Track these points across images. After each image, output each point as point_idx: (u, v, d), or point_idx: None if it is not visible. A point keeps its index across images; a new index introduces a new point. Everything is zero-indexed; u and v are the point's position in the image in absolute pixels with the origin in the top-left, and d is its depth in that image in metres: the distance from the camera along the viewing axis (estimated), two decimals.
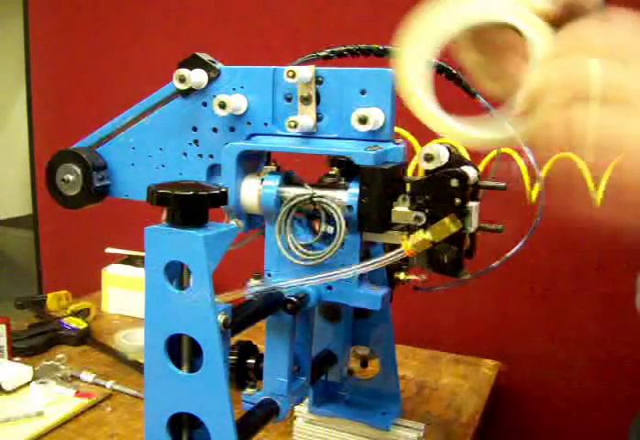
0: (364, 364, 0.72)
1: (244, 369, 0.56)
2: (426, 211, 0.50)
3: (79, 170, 0.66)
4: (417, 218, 0.51)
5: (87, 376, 0.90)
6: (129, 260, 1.23)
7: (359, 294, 0.56)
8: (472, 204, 0.50)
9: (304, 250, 0.55)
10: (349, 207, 0.53)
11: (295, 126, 0.56)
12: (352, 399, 0.72)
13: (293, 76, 0.55)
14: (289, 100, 0.58)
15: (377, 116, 0.54)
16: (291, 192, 0.56)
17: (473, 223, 0.50)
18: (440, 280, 0.55)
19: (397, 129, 0.57)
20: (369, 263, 0.51)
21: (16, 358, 0.94)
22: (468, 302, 1.09)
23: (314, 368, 0.64)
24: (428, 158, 0.50)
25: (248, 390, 0.57)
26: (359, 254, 0.55)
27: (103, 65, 1.37)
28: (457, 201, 0.49)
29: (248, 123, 0.59)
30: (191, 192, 0.46)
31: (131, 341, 1.01)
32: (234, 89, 0.59)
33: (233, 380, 0.55)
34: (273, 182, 0.56)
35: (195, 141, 0.62)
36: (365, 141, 0.55)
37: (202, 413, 0.48)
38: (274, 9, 1.18)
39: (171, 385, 0.49)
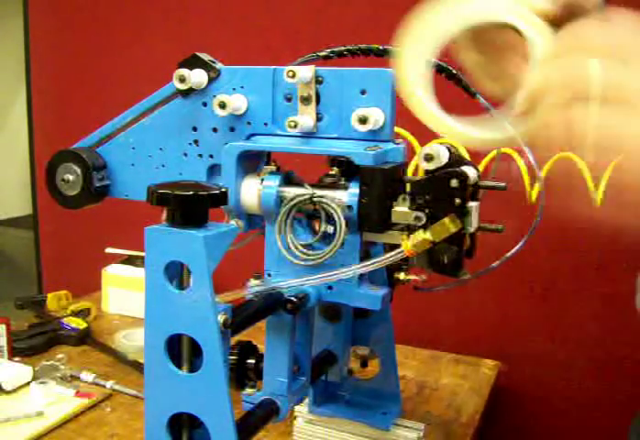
0: (364, 364, 0.72)
1: (244, 369, 0.56)
2: (426, 211, 0.50)
3: (79, 170, 0.66)
4: (417, 218, 0.51)
5: (87, 376, 0.90)
6: (129, 260, 1.23)
7: (359, 294, 0.56)
8: (472, 204, 0.50)
9: (304, 250, 0.55)
10: (349, 207, 0.53)
11: (295, 126, 0.56)
12: (352, 399, 0.72)
13: (293, 76, 0.55)
14: (289, 100, 0.58)
15: (377, 116, 0.54)
16: (291, 192, 0.56)
17: (473, 223, 0.50)
18: (440, 280, 0.55)
19: (397, 129, 0.57)
20: (369, 263, 0.51)
21: (16, 358, 0.94)
22: (468, 302, 1.09)
23: (314, 368, 0.64)
24: (428, 158, 0.50)
25: (248, 390, 0.57)
26: (359, 254, 0.55)
27: (103, 65, 1.37)
28: (458, 201, 0.49)
29: (248, 123, 0.59)
30: (191, 192, 0.46)
31: (131, 341, 1.01)
32: (234, 89, 0.59)
33: (233, 380, 0.55)
34: (273, 182, 0.56)
35: (195, 141, 0.62)
36: (365, 141, 0.55)
37: (202, 413, 0.48)
38: (274, 9, 1.18)
39: (171, 385, 0.49)
